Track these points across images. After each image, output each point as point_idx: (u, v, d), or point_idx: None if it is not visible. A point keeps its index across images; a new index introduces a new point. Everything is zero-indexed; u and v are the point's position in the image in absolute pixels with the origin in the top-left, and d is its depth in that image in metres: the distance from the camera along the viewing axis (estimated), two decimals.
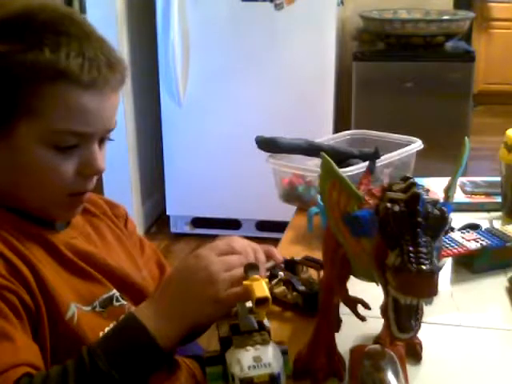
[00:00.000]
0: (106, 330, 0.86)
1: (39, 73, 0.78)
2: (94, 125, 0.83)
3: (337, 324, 0.88)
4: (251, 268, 0.83)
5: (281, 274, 1.10)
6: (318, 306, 1.01)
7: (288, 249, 1.29)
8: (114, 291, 0.91)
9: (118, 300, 0.90)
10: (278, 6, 2.82)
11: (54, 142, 0.81)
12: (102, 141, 0.87)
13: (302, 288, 1.05)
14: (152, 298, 0.84)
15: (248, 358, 0.73)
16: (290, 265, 1.11)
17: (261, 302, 0.76)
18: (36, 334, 0.79)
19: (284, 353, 0.81)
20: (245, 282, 0.80)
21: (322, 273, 1.02)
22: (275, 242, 1.36)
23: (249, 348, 0.75)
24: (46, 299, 0.81)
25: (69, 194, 0.86)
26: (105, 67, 0.81)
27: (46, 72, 0.78)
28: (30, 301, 0.79)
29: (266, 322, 0.83)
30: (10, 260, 0.79)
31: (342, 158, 1.45)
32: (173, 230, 3.26)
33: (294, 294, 1.06)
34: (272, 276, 1.08)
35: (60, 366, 0.74)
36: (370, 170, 0.97)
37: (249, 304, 0.81)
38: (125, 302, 0.91)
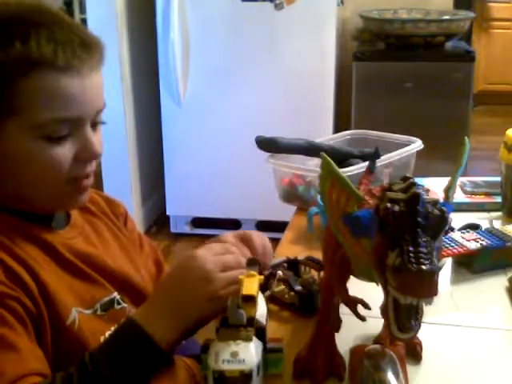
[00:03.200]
0: (107, 333, 0.86)
1: (14, 67, 0.76)
2: (80, 107, 0.81)
3: (337, 324, 0.88)
4: (250, 263, 0.83)
5: (279, 273, 1.10)
6: (314, 306, 1.02)
7: (288, 249, 1.29)
8: (115, 294, 0.90)
9: (118, 303, 0.90)
10: (278, 6, 2.82)
11: (44, 133, 0.80)
12: (94, 125, 0.86)
13: (298, 288, 1.06)
14: (149, 300, 0.84)
15: (226, 352, 0.74)
16: (293, 265, 1.12)
17: (246, 299, 0.77)
18: (38, 340, 0.79)
19: (278, 350, 0.81)
20: (240, 276, 0.81)
21: (322, 273, 1.02)
22: (275, 241, 1.36)
23: (230, 342, 0.75)
24: (48, 305, 0.80)
25: (69, 180, 0.84)
26: (79, 48, 0.80)
27: (20, 64, 0.76)
28: (33, 307, 0.79)
29: (263, 318, 0.83)
30: (9, 266, 0.78)
31: (342, 158, 1.45)
32: (173, 229, 3.26)
33: (291, 293, 1.06)
34: (272, 275, 1.09)
35: (64, 373, 0.75)
36: (370, 170, 0.97)
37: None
38: (125, 305, 0.91)
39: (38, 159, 0.81)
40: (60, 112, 0.79)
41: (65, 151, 0.82)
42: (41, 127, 0.79)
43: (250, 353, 0.75)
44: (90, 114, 0.83)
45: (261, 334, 0.80)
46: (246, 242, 0.91)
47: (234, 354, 0.74)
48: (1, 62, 0.76)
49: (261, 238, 0.96)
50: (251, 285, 0.79)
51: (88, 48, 0.81)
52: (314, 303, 1.02)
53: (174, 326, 0.79)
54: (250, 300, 0.77)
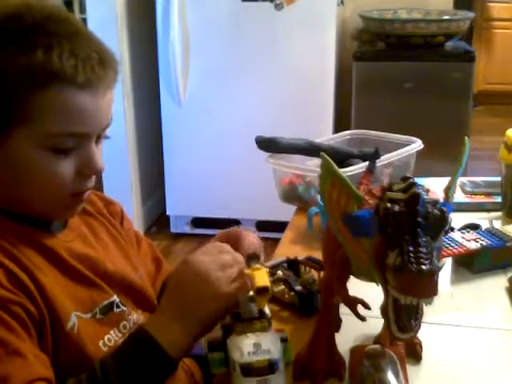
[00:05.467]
0: (106, 337, 0.86)
1: (33, 76, 0.76)
2: (91, 124, 0.82)
3: (337, 324, 0.88)
4: (252, 258, 0.84)
5: (279, 272, 1.10)
6: (314, 306, 1.02)
7: (288, 249, 1.30)
8: (115, 297, 0.90)
9: (118, 306, 0.90)
10: (278, 6, 2.82)
11: (51, 145, 0.80)
12: (98, 139, 0.86)
13: (298, 288, 1.06)
14: (158, 310, 0.85)
15: (248, 345, 0.76)
16: (293, 264, 1.12)
17: (261, 291, 0.79)
18: (40, 345, 0.79)
19: (284, 340, 0.82)
20: (246, 271, 0.82)
21: (322, 273, 1.02)
22: (275, 241, 1.36)
23: (249, 335, 0.77)
24: (49, 310, 0.80)
25: (70, 195, 0.85)
26: (98, 66, 0.80)
27: (40, 75, 0.76)
28: (35, 312, 0.78)
29: (266, 310, 0.84)
30: (11, 271, 0.78)
31: (342, 158, 1.45)
32: (173, 229, 3.26)
33: (291, 293, 1.06)
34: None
35: (74, 380, 0.76)
36: (370, 170, 0.97)
37: (249, 292, 0.82)
38: (125, 308, 0.91)
39: (40, 171, 0.81)
40: (72, 127, 0.80)
41: (68, 165, 0.82)
42: (49, 139, 0.79)
43: (271, 342, 0.77)
44: (98, 131, 0.84)
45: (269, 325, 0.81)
46: (235, 243, 0.92)
47: (257, 346, 0.75)
48: (23, 66, 0.76)
49: (249, 238, 0.96)
50: (263, 277, 0.80)
51: (105, 66, 0.81)
52: (313, 303, 1.03)
53: (183, 333, 0.80)
54: (265, 291, 0.79)
